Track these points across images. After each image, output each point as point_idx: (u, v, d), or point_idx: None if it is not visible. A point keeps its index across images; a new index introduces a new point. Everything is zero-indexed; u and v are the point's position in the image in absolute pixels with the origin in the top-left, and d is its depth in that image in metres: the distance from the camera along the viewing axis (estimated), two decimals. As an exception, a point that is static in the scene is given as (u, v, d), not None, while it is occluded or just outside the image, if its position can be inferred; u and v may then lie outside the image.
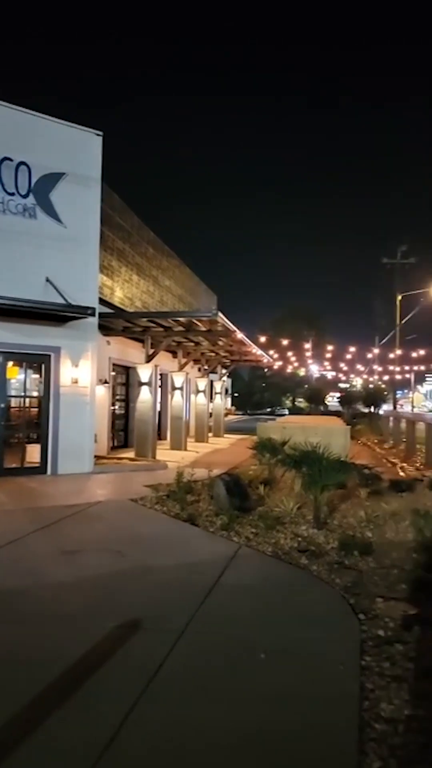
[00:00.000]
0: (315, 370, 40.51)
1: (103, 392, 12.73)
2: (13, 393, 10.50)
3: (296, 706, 2.69)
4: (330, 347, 30.86)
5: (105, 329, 12.63)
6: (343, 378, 44.38)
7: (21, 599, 4.11)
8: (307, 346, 31.88)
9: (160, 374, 14.87)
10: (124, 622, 3.63)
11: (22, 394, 10.64)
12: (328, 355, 31.76)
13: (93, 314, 10.17)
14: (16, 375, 10.64)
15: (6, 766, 2.22)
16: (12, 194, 9.86)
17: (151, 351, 13.24)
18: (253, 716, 2.60)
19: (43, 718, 2.54)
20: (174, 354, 16.16)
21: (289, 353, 30.74)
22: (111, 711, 2.61)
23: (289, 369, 34.34)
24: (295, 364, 33.42)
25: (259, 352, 19.79)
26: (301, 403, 60.36)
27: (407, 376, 28.33)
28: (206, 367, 19.34)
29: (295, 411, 48.50)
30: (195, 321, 13.01)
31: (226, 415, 27.30)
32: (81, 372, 10.55)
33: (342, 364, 33.89)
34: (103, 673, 2.98)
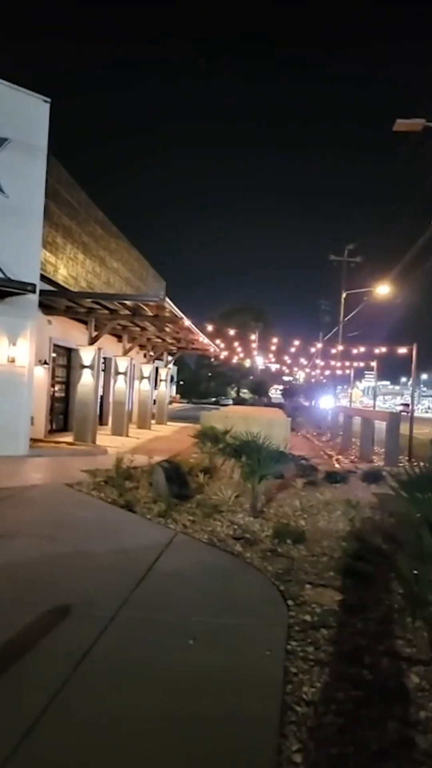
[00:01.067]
0: (260, 362, 41.17)
1: (42, 373, 12.30)
2: None
3: (222, 690, 2.72)
4: (275, 340, 31.41)
5: (46, 308, 12.17)
6: (287, 371, 45.40)
7: None
8: (253, 337, 32.26)
9: (104, 358, 14.55)
10: (53, 608, 3.53)
11: None
12: (273, 348, 32.35)
13: (33, 291, 9.77)
14: None
15: None
16: None
17: (94, 333, 12.90)
18: (178, 701, 2.60)
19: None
20: (119, 338, 15.85)
21: (236, 344, 31.01)
22: (33, 699, 2.53)
23: (235, 360, 34.66)
24: (241, 355, 33.76)
25: (206, 340, 19.81)
26: (245, 394, 61.20)
27: (347, 372, 29.31)
28: (152, 354, 19.13)
29: (239, 401, 49.11)
30: (142, 305, 12.80)
31: (171, 402, 27.22)
32: (18, 351, 10.11)
33: (286, 358, 34.60)
34: (27, 660, 2.89)
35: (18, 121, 10.00)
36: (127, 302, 12.83)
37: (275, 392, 62.38)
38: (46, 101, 10.29)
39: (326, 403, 29.86)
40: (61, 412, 14.93)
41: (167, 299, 12.21)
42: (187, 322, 14.72)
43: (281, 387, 60.66)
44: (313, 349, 32.53)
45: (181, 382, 60.58)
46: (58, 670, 2.78)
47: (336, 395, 31.97)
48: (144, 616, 3.53)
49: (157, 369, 20.44)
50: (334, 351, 28.61)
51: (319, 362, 33.10)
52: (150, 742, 2.32)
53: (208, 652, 3.10)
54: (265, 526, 5.84)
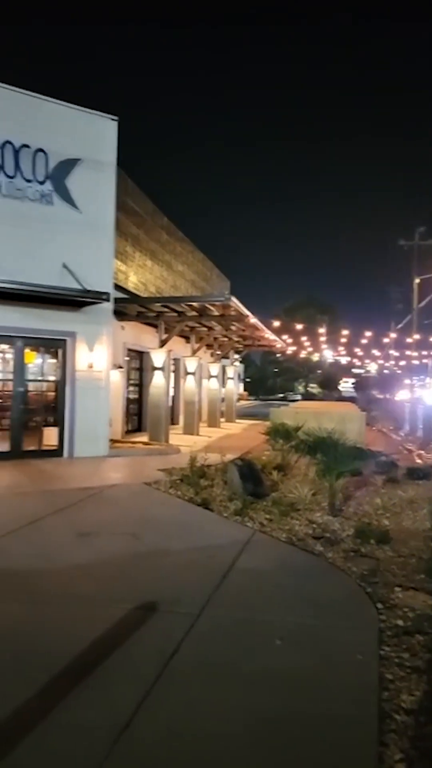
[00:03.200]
0: (329, 355, 40.21)
1: (117, 377, 12.77)
2: (30, 377, 10.58)
3: (314, 693, 2.70)
4: (345, 332, 30.51)
5: (119, 314, 12.61)
6: (358, 363, 43.98)
7: (38, 580, 4.16)
8: (320, 330, 31.52)
9: (174, 359, 14.86)
10: (140, 604, 3.66)
11: (40, 378, 10.72)
12: (343, 340, 31.44)
13: (108, 299, 10.16)
14: (33, 360, 10.71)
15: (27, 742, 2.26)
16: (29, 181, 9.83)
17: (164, 336, 13.21)
18: (270, 702, 2.61)
19: (62, 697, 2.58)
20: (187, 339, 16.13)
21: (303, 338, 30.49)
22: (129, 692, 2.64)
23: (303, 354, 34.09)
24: (309, 350, 33.12)
25: (272, 336, 19.64)
26: (313, 388, 60.10)
27: (425, 361, 27.85)
28: (219, 352, 19.28)
29: (307, 396, 48.31)
30: (208, 306, 12.93)
31: (238, 400, 27.30)
32: (96, 357, 10.57)
33: (357, 350, 33.53)
34: (120, 654, 3.01)
35: (88, 141, 10.47)
36: (194, 303, 13.02)
37: (346, 385, 60.73)
38: (113, 119, 10.69)
39: (403, 395, 28.59)
40: (135, 413, 15.43)
41: (233, 298, 12.25)
42: (252, 320, 14.70)
43: (352, 380, 58.95)
44: (386, 340, 31.25)
45: (248, 380, 60.59)
46: (150, 666, 2.88)
47: (413, 386, 30.53)
48: (229, 615, 3.57)
49: (224, 367, 20.58)
50: (409, 340, 27.33)
51: (393, 353, 31.77)
52: (246, 740, 2.34)
53: (296, 652, 3.08)
54: (346, 525, 5.71)
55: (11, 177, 9.68)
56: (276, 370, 64.13)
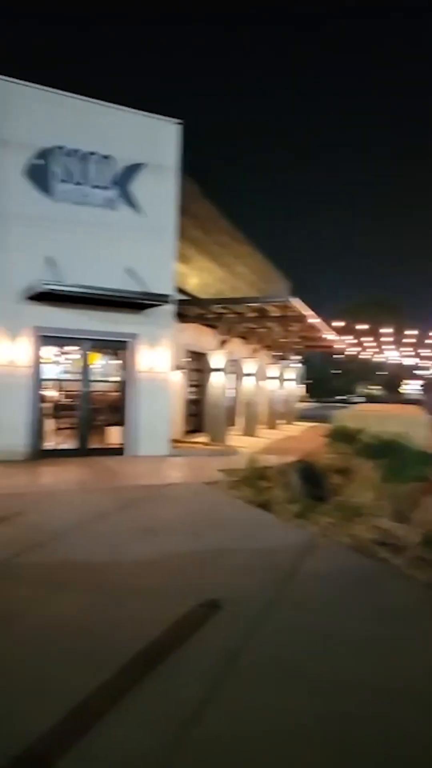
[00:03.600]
0: (392, 356, 38.86)
1: (178, 378, 13.01)
2: (95, 378, 11.02)
3: (384, 702, 2.64)
4: (409, 332, 29.36)
5: (180, 316, 12.83)
6: (422, 365, 42.17)
7: (106, 572, 4.33)
8: (384, 330, 30.50)
9: (232, 360, 14.94)
10: (203, 602, 3.72)
11: (104, 379, 11.15)
12: (409, 341, 30.24)
13: (169, 301, 10.39)
14: (97, 361, 11.16)
15: (99, 729, 2.37)
16: (96, 187, 10.23)
17: (223, 337, 13.31)
18: (338, 707, 2.58)
19: (132, 686, 2.68)
20: (246, 340, 16.15)
21: (364, 339, 29.64)
22: (196, 687, 2.70)
23: (364, 355, 33.15)
24: (371, 350, 32.15)
25: (333, 337, 19.26)
26: (375, 390, 58.26)
27: None
28: (278, 353, 19.16)
29: (371, 398, 46.92)
30: (268, 307, 12.89)
31: (298, 402, 26.95)
32: (157, 358, 10.84)
33: (423, 351, 32.14)
34: (186, 649, 3.08)
35: (152, 146, 10.72)
36: (253, 305, 13.03)
37: (410, 387, 58.41)
38: (177, 123, 10.89)
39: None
40: (195, 414, 15.63)
41: (294, 298, 12.14)
42: (312, 320, 14.49)
43: (419, 382, 56.61)
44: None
45: (308, 381, 59.70)
46: (215, 663, 2.93)
47: None
48: (292, 618, 3.56)
49: (283, 369, 20.43)
50: None
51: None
52: (310, 741, 2.34)
53: (364, 660, 3.03)
54: (412, 532, 5.51)
55: (79, 184, 10.12)
56: (337, 371, 62.79)
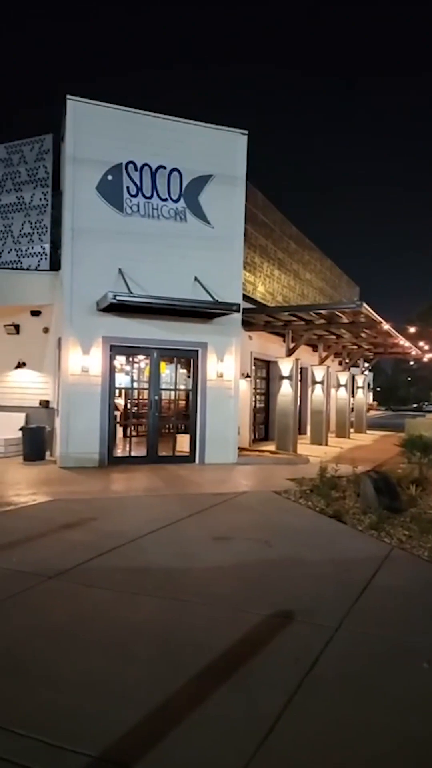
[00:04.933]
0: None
1: (245, 386, 13.02)
2: (164, 386, 11.27)
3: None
4: None
5: (247, 324, 12.88)
6: None
7: (179, 578, 4.37)
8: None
9: (301, 368, 14.73)
10: (276, 612, 3.66)
11: (173, 387, 11.38)
12: None
13: (237, 310, 10.45)
14: (167, 370, 11.42)
15: (178, 732, 2.38)
16: (165, 200, 10.54)
17: (291, 345, 13.17)
18: (420, 727, 2.43)
19: (209, 692, 2.68)
20: (314, 347, 15.89)
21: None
22: (271, 697, 2.65)
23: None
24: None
25: (407, 343, 18.48)
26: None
27: None
28: (347, 361, 18.66)
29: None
30: (337, 313, 12.62)
31: (368, 410, 26.06)
32: (225, 366, 10.91)
33: None
34: (260, 660, 3.04)
35: (219, 157, 10.90)
36: (322, 312, 12.80)
37: None
38: (243, 134, 11.02)
39: None
40: (262, 422, 15.57)
41: (364, 304, 11.80)
42: (385, 326, 14.01)
43: None
44: None
45: (378, 389, 57.64)
46: (290, 674, 2.86)
47: None
48: (369, 632, 3.42)
49: (353, 376, 19.86)
50: None
51: None
52: (390, 760, 2.21)
53: (448, 681, 2.83)
54: None
55: (148, 197, 10.46)
56: (409, 378, 60.12)
